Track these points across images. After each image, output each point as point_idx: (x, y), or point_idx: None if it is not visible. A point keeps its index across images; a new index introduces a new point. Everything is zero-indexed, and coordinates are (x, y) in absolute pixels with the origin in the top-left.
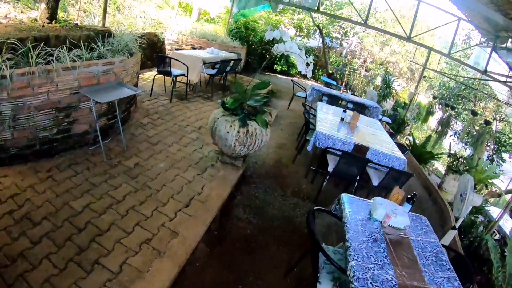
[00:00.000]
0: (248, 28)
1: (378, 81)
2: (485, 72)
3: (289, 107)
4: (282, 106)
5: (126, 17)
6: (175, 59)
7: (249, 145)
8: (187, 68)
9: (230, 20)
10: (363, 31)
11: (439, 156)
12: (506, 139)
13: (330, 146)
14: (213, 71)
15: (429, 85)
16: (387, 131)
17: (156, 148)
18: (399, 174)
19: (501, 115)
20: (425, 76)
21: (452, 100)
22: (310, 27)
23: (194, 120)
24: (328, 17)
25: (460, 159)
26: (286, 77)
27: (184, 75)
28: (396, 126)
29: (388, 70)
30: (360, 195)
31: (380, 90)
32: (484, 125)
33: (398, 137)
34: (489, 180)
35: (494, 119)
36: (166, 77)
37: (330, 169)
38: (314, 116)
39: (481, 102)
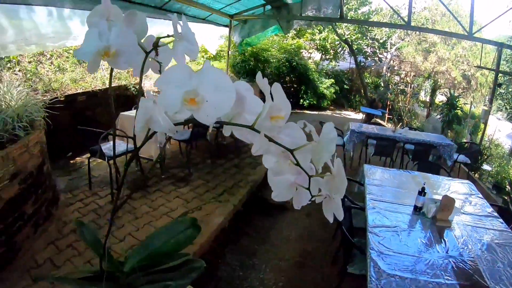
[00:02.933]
0: (258, 59)
1: (422, 95)
2: None
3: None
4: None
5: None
6: (109, 133)
7: None
8: (133, 140)
9: (229, 52)
10: (402, 39)
11: None
12: None
13: None
14: (186, 135)
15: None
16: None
17: None
18: None
19: None
20: (500, 84)
21: None
22: (336, 46)
23: (141, 234)
24: (356, 28)
25: None
26: (317, 112)
27: (131, 151)
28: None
29: (438, 82)
30: None
31: (442, 114)
32: None
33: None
34: None
35: None
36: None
37: None
38: (358, 207)
39: None
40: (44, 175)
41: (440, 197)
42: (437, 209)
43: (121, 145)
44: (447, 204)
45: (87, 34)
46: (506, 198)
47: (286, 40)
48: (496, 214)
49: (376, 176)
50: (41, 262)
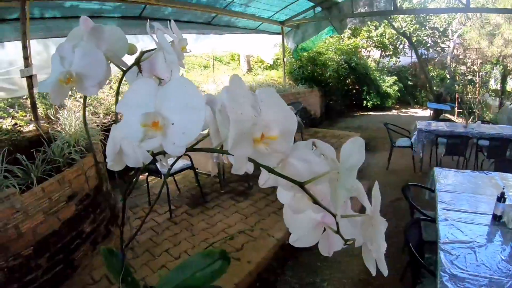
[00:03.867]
0: (316, 63)
1: (492, 83)
2: None
3: (389, 166)
4: (377, 166)
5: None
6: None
7: None
8: (189, 156)
9: (285, 59)
10: (463, 25)
11: None
12: None
13: None
14: None
15: None
16: None
17: None
18: None
19: None
20: None
21: None
22: (395, 41)
23: (196, 252)
24: (413, 19)
25: None
26: (381, 112)
27: (189, 168)
28: None
29: (508, 67)
30: None
31: None
32: None
33: None
34: None
35: None
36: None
37: None
38: (429, 218)
39: None
40: (102, 195)
41: None
42: None
43: (178, 162)
44: None
45: (51, 61)
46: None
47: (342, 41)
48: None
49: (448, 181)
50: (97, 279)
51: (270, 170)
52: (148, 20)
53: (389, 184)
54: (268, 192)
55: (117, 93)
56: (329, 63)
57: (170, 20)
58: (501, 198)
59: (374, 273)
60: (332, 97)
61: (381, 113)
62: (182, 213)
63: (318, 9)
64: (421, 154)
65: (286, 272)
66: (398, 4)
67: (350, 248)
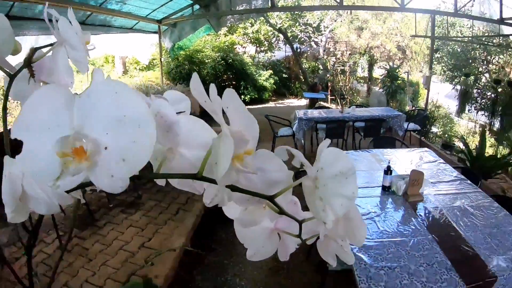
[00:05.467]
0: (193, 62)
1: (359, 71)
2: (501, 20)
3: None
4: None
5: None
6: None
7: None
8: None
9: (162, 59)
10: (334, 21)
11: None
12: None
13: None
14: None
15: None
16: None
17: None
18: None
19: None
20: (437, 49)
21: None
22: (270, 37)
23: (99, 278)
24: (288, 16)
25: None
26: (260, 105)
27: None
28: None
29: (374, 57)
30: None
31: (385, 87)
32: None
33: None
34: None
35: None
36: None
37: None
38: None
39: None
40: None
41: (406, 173)
42: (407, 185)
43: None
44: (416, 178)
45: None
46: (460, 155)
47: (219, 39)
48: (462, 176)
49: None
50: None
51: (235, 189)
52: (46, 4)
53: None
54: (160, 198)
55: (4, 107)
56: (206, 61)
57: (70, 8)
58: (387, 171)
59: (334, 265)
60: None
61: (260, 106)
62: (73, 237)
63: (196, 7)
64: (302, 141)
65: (196, 278)
66: (275, 2)
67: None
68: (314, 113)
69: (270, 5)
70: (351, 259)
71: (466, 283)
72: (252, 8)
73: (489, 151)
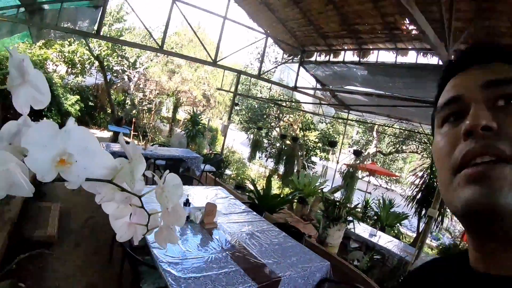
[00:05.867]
0: (1, 68)
1: (164, 111)
2: (295, 88)
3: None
4: (65, 188)
5: None
6: None
7: None
8: None
9: None
10: (151, 60)
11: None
12: (313, 144)
13: None
14: None
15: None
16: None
17: None
18: None
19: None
20: (237, 103)
21: (258, 120)
22: (85, 61)
23: None
24: (108, 47)
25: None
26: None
27: None
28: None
29: (180, 100)
30: None
31: (187, 130)
32: (293, 142)
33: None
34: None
35: (301, 129)
36: None
37: None
38: None
39: (287, 116)
40: None
41: (202, 205)
42: (203, 215)
43: None
44: (211, 209)
45: None
46: (250, 194)
47: (32, 49)
48: (249, 209)
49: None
50: None
51: (124, 190)
52: None
53: (79, 204)
54: None
55: None
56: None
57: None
58: (186, 203)
59: (165, 248)
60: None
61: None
62: None
63: (22, 9)
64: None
65: None
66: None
67: (63, 271)
68: (116, 146)
69: (95, 31)
70: (176, 240)
71: (257, 283)
72: (77, 28)
73: (277, 191)
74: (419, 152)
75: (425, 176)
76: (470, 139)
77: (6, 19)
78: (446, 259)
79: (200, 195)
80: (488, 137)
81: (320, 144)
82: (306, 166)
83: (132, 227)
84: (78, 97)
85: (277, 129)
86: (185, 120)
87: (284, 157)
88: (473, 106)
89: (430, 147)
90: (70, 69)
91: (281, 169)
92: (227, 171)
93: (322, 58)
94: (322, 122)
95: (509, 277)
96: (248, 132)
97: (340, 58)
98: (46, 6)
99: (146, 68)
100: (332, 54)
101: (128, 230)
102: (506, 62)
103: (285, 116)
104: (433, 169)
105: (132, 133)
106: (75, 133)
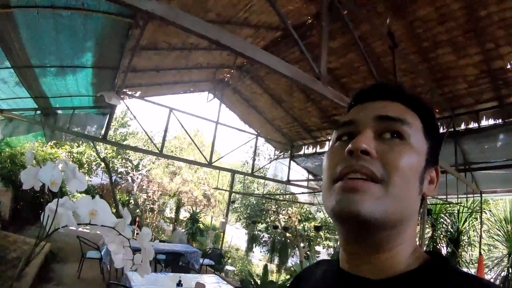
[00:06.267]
0: (15, 163)
1: (167, 212)
2: (288, 182)
3: (80, 275)
4: (69, 276)
5: None
6: None
7: None
8: None
9: None
10: (153, 162)
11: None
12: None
13: None
14: None
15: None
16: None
17: None
18: None
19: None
20: (234, 201)
21: (257, 216)
22: (91, 162)
23: None
24: (113, 150)
25: None
26: (72, 227)
27: None
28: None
29: (182, 200)
30: None
31: (187, 228)
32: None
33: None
34: None
35: (299, 220)
36: None
37: None
38: None
39: (284, 209)
40: None
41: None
42: None
43: None
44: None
45: None
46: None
47: (45, 148)
48: None
49: (142, 281)
50: None
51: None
52: None
53: None
54: None
55: None
56: (27, 167)
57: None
58: (179, 283)
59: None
60: (22, 202)
61: (72, 227)
62: None
63: (39, 112)
64: (108, 266)
65: None
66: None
67: None
68: None
69: (102, 135)
70: (149, 271)
71: None
72: (85, 133)
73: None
74: None
75: None
76: (350, 157)
77: (24, 119)
78: (331, 260)
79: (193, 280)
80: (364, 160)
81: (321, 233)
82: (310, 256)
83: (125, 260)
84: (84, 195)
85: (276, 222)
86: (186, 219)
87: (279, 247)
88: (363, 132)
89: None
90: (77, 168)
91: (277, 258)
92: (229, 267)
93: (310, 150)
94: (320, 211)
95: (365, 278)
96: (248, 228)
97: (325, 149)
98: (59, 111)
99: (149, 170)
100: (318, 146)
101: (122, 262)
102: (394, 100)
103: (283, 210)
104: None
105: (135, 232)
106: (99, 202)
